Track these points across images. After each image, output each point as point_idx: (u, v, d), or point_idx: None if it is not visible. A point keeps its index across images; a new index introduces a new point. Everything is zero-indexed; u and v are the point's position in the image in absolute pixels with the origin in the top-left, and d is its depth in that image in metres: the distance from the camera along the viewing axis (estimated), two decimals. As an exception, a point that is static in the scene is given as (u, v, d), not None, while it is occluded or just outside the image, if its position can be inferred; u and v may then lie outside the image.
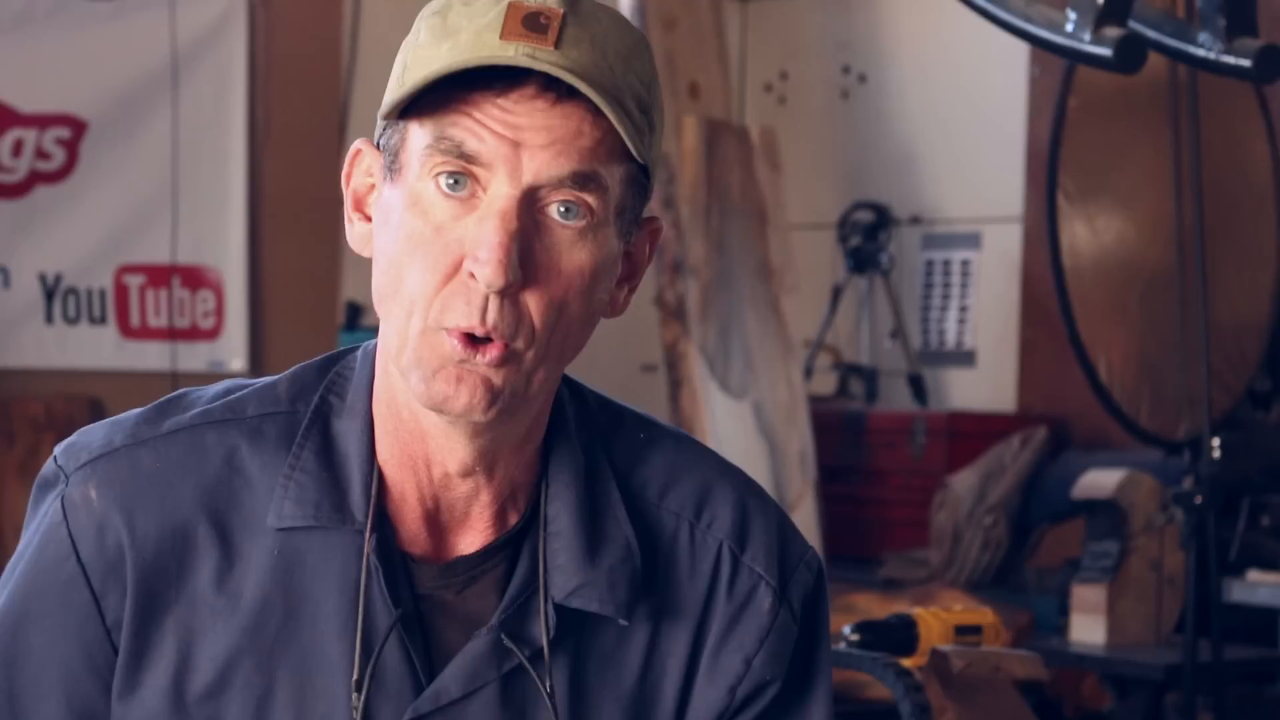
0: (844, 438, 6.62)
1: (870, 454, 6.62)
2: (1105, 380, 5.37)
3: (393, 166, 1.49)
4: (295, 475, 1.54)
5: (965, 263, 7.03)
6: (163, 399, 1.61)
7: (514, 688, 1.54)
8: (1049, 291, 5.70)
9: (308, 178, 6.64)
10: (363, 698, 1.50)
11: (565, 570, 1.54)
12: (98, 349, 6.50)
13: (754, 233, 6.32)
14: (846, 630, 3.36)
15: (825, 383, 7.11)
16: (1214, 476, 4.60)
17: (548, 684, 1.52)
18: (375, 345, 1.58)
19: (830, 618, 1.65)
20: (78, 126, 6.35)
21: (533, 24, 1.44)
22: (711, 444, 6.11)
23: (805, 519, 6.14)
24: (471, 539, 1.56)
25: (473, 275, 1.43)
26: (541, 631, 1.53)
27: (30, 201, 6.32)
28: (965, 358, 7.03)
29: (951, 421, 6.52)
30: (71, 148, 6.36)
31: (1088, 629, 4.89)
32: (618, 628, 1.56)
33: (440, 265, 1.45)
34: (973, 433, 6.41)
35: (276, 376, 1.62)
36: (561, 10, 1.44)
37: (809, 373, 6.73)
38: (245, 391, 1.60)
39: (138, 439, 1.56)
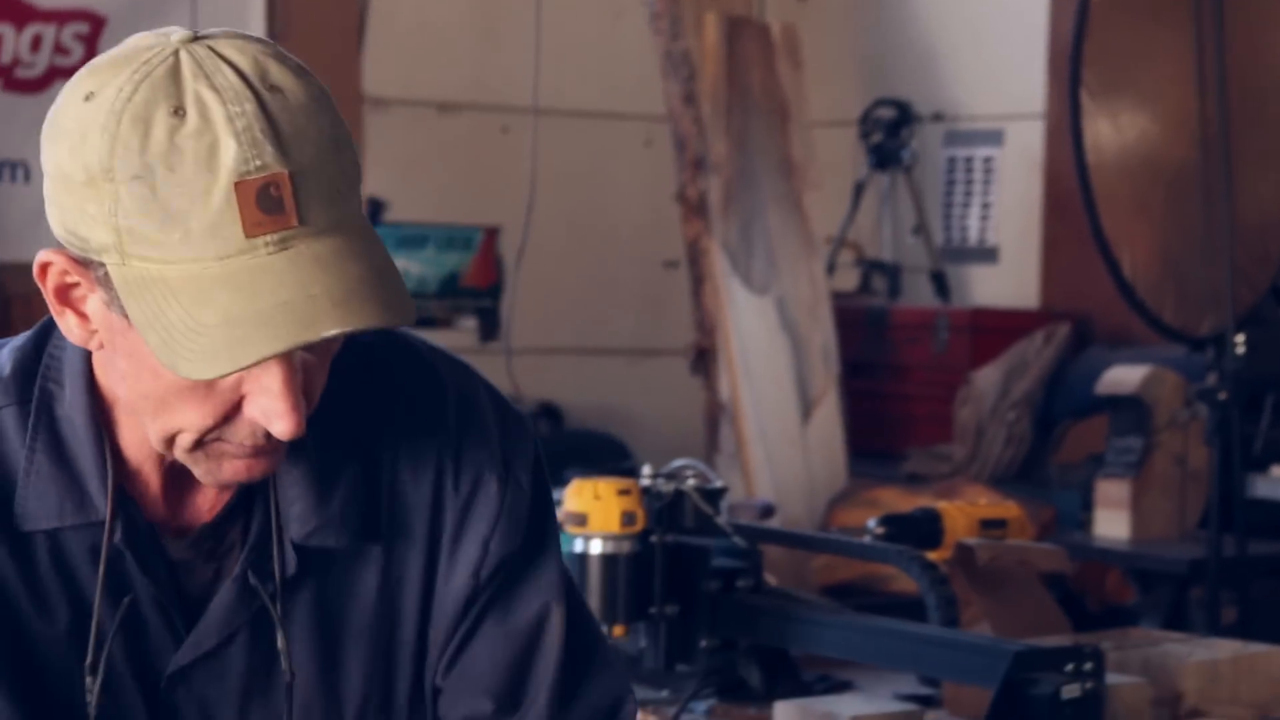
0: (867, 334, 6.63)
1: (893, 350, 6.63)
2: (1129, 276, 5.35)
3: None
4: (32, 480, 1.58)
5: (988, 159, 7.01)
6: None
7: (262, 630, 1.62)
8: (1072, 188, 5.68)
9: (326, 77, 6.60)
10: (98, 681, 1.57)
11: (301, 515, 1.61)
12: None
13: (776, 129, 6.28)
14: (871, 524, 3.37)
15: (848, 279, 7.11)
16: (1238, 372, 4.60)
17: (278, 610, 1.60)
18: None
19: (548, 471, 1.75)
20: (96, 22, 6.32)
21: (268, 203, 1.43)
22: (734, 340, 6.13)
23: (828, 415, 6.15)
24: (214, 502, 1.62)
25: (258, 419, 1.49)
26: (277, 570, 1.60)
27: (49, 97, 6.32)
28: (988, 254, 7.01)
29: (975, 318, 6.52)
30: (90, 43, 6.33)
31: (1112, 524, 4.89)
32: (355, 559, 1.64)
33: (218, 411, 1.51)
34: (996, 329, 6.41)
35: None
36: (285, 171, 1.43)
37: (831, 269, 6.73)
38: None
39: None
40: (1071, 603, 3.63)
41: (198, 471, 1.56)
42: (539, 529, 1.72)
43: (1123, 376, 5.00)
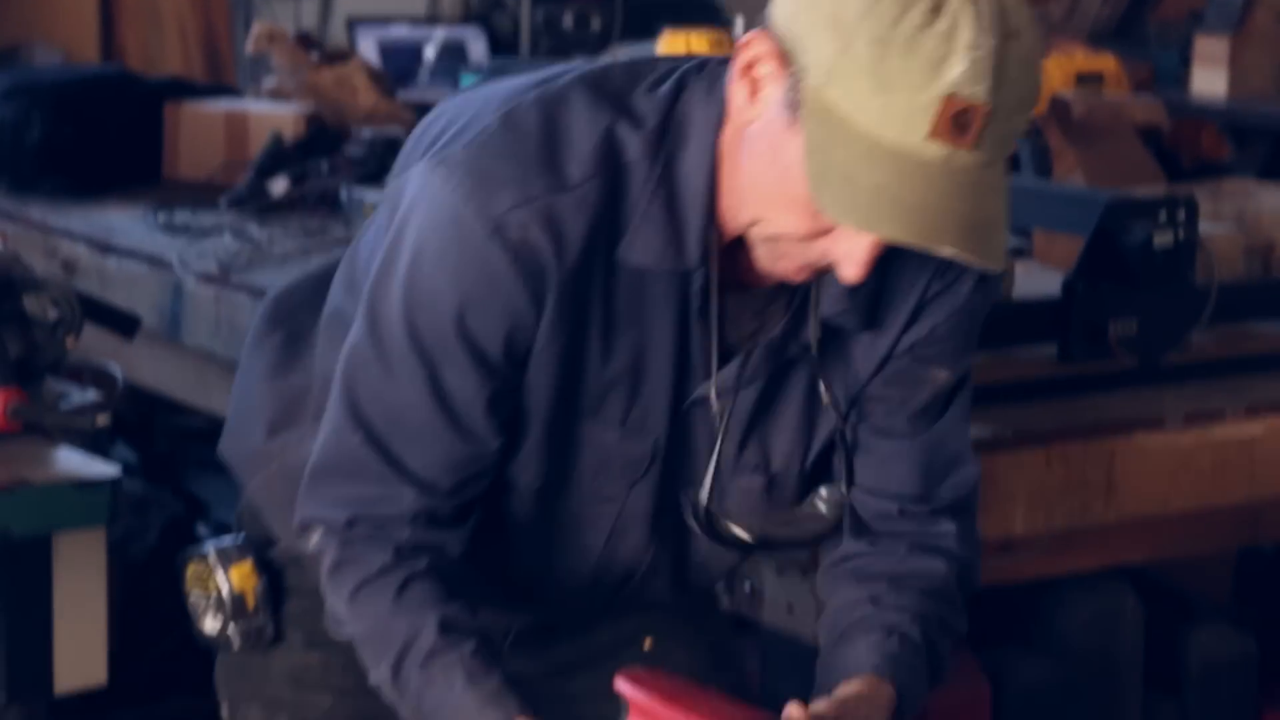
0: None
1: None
2: None
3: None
4: (644, 223, 1.83)
5: None
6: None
7: (774, 383, 1.93)
8: None
9: None
10: (712, 384, 1.89)
11: (834, 297, 1.86)
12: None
13: None
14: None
15: None
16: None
17: (815, 360, 1.90)
18: (716, 87, 1.84)
19: None
20: None
21: (960, 122, 1.66)
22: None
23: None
24: (773, 277, 1.86)
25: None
26: (811, 340, 1.89)
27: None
28: None
29: None
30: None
31: (1209, 80, 4.90)
32: (851, 340, 1.92)
33: (806, 231, 1.74)
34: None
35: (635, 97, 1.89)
36: (989, 107, 1.64)
37: None
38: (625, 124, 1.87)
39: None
40: (1166, 158, 3.65)
41: (758, 252, 1.82)
42: (973, 342, 1.99)
43: (1225, -73, 4.96)
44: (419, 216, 1.90)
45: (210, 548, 2.23)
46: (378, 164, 4.01)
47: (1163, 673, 3.13)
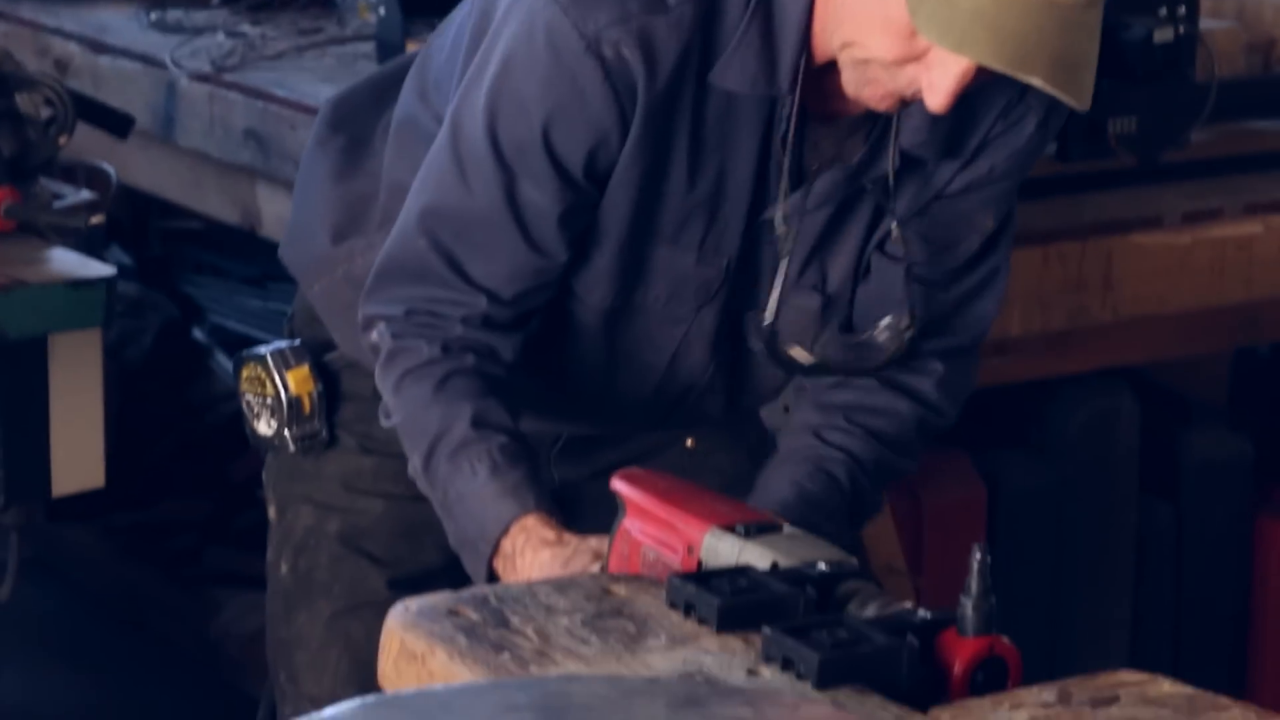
0: None
1: None
2: None
3: None
4: (740, 48, 1.86)
5: None
6: None
7: (843, 210, 1.97)
8: None
9: None
10: (779, 207, 1.93)
11: (915, 129, 1.90)
12: None
13: None
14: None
15: None
16: None
17: (893, 193, 1.94)
18: None
19: None
20: None
21: None
22: None
23: None
24: (856, 105, 1.90)
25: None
26: (889, 168, 1.93)
27: None
28: None
29: None
30: None
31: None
32: (925, 170, 1.96)
33: (898, 54, 1.77)
34: None
35: None
36: None
37: None
38: None
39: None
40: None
41: (845, 75, 1.84)
42: (1024, 176, 2.04)
43: None
44: (513, 25, 1.93)
45: (267, 351, 2.28)
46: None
47: (1158, 475, 3.15)
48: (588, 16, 1.87)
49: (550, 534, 1.86)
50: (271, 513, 2.33)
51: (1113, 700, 1.33)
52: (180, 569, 4.26)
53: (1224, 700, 1.36)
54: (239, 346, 3.41)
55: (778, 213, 1.94)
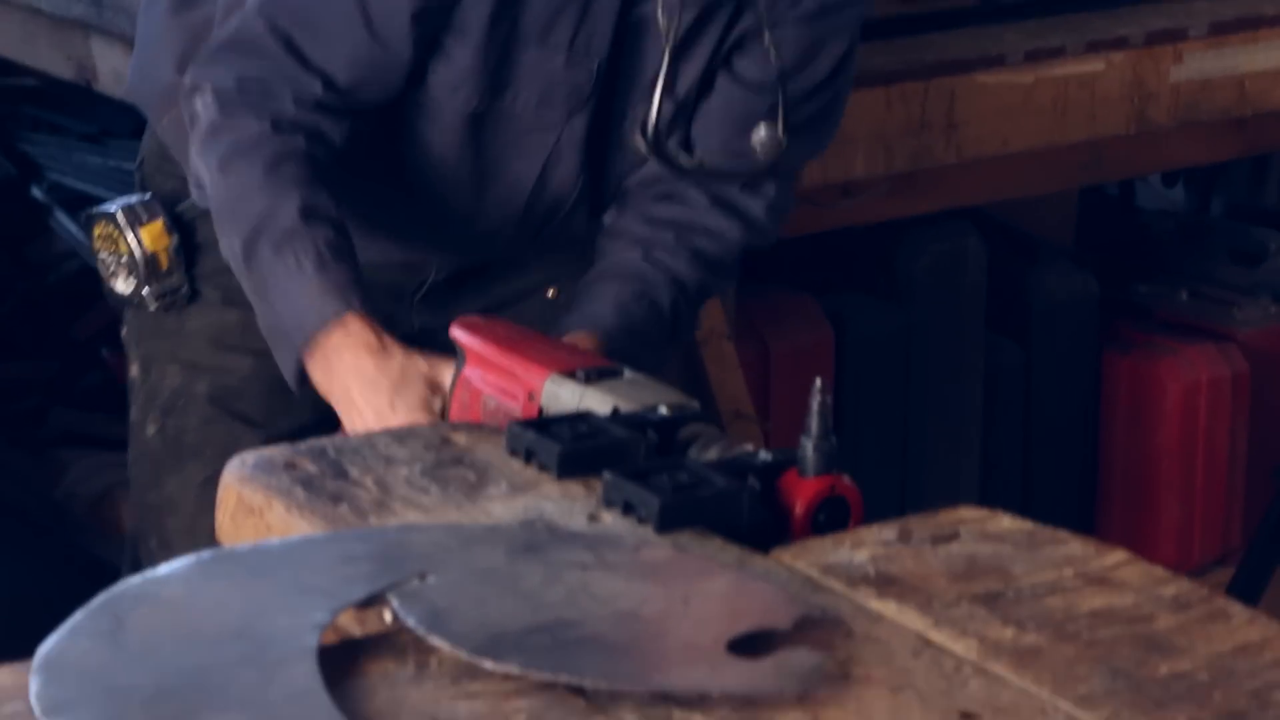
0: None
1: None
2: None
3: None
4: None
5: None
6: None
7: (713, 11, 2.01)
8: None
9: None
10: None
11: None
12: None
13: None
14: None
15: None
16: None
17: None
18: None
19: None
20: None
21: None
22: None
23: None
24: None
25: None
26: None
27: None
28: None
29: None
30: None
31: None
32: None
33: None
34: None
35: None
36: None
37: None
38: None
39: None
40: None
41: None
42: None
43: None
44: None
45: (117, 207, 2.24)
46: None
47: (1006, 314, 3.18)
48: None
49: (372, 339, 1.87)
50: (134, 371, 2.31)
51: (953, 537, 1.34)
52: (24, 431, 4.22)
53: (1063, 534, 1.38)
54: (80, 205, 3.53)
55: (659, 4, 1.94)
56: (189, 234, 2.23)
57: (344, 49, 1.98)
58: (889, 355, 3.08)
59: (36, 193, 4.45)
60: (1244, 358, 3.30)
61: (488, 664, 1.13)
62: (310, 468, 1.50)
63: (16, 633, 1.31)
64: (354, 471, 1.50)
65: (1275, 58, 3.06)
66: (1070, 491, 3.35)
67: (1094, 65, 2.83)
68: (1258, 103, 3.07)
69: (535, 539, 1.32)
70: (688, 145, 2.07)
